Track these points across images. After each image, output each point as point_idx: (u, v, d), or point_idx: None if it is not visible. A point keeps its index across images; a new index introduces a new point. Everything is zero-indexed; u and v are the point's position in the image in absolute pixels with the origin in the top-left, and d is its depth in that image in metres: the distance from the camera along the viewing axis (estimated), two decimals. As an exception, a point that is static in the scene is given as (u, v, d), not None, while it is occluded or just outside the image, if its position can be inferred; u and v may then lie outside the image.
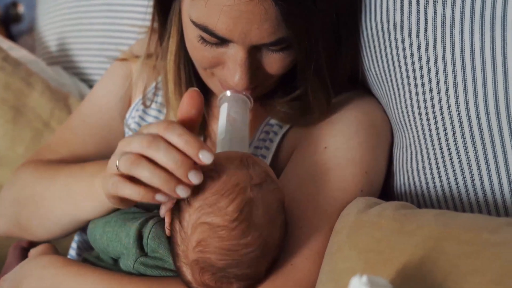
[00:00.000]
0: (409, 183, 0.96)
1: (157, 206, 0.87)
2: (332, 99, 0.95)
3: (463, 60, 0.82)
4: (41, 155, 1.09)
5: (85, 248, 1.09)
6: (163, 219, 0.82)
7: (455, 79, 0.83)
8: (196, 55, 0.93)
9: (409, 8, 0.87)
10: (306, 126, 0.96)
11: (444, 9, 0.82)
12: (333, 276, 0.74)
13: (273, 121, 1.00)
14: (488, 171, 0.84)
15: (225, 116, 0.91)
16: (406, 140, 0.96)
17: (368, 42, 0.96)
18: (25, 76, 1.30)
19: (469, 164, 0.86)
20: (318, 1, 0.83)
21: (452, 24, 0.82)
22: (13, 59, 1.32)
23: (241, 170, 0.77)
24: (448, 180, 0.89)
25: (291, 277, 0.81)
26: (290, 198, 0.87)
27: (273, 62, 0.90)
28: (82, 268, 0.86)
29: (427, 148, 0.91)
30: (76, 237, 1.12)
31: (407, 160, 0.96)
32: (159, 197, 0.73)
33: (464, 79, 0.82)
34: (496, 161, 0.83)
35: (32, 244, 1.02)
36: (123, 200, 0.78)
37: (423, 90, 0.88)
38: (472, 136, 0.84)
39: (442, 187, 0.90)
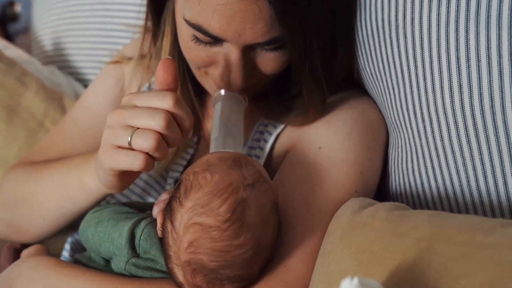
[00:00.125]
0: (404, 183, 0.96)
1: (150, 207, 0.86)
2: (327, 99, 0.94)
3: (458, 60, 0.81)
4: (31, 158, 1.10)
5: (78, 249, 1.09)
6: (156, 220, 0.81)
7: (450, 78, 0.82)
8: (189, 55, 0.92)
9: (404, 6, 0.86)
10: (300, 126, 0.95)
11: (439, 7, 0.81)
12: (325, 278, 0.74)
13: (267, 121, 0.99)
14: (484, 172, 0.83)
15: (219, 115, 0.91)
16: (401, 140, 0.96)
17: (363, 41, 0.95)
18: (20, 75, 1.30)
19: (464, 165, 0.85)
20: (313, 0, 0.83)
21: (447, 23, 0.81)
22: (8, 59, 1.31)
23: (234, 170, 0.77)
24: (443, 180, 0.89)
25: (284, 278, 0.80)
26: (284, 198, 0.86)
27: (268, 62, 0.90)
28: (73, 269, 0.86)
29: (422, 148, 0.91)
30: (69, 238, 1.12)
31: (402, 160, 0.96)
32: None
33: (459, 78, 0.81)
34: (491, 162, 0.82)
35: (25, 246, 1.02)
36: (123, 179, 0.83)
37: (418, 90, 0.88)
38: (467, 136, 0.83)
39: (437, 187, 0.90)
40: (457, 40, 0.80)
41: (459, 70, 0.81)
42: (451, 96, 0.83)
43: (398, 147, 0.97)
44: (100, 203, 1.01)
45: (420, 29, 0.84)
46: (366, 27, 0.94)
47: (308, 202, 0.86)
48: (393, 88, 0.93)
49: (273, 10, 0.81)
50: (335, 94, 0.98)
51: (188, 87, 1.01)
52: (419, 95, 0.88)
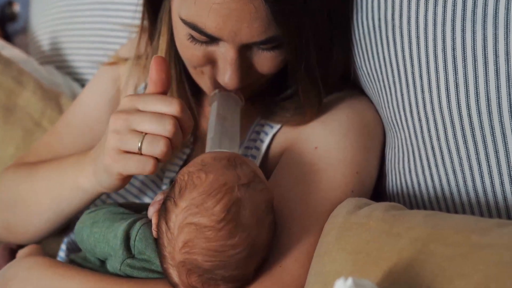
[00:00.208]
0: (401, 183, 0.95)
1: (146, 207, 0.86)
2: (324, 99, 0.94)
3: (454, 59, 0.81)
4: (26, 159, 1.10)
5: (74, 250, 1.08)
6: (151, 221, 0.81)
7: (446, 78, 0.82)
8: (185, 54, 0.92)
9: (401, 6, 0.86)
10: (297, 126, 0.95)
11: (435, 7, 0.81)
12: (321, 278, 0.73)
13: (264, 121, 0.99)
14: (480, 172, 0.83)
15: (215, 115, 0.91)
16: (398, 140, 0.95)
17: (360, 41, 0.95)
18: (17, 75, 1.30)
19: (461, 165, 0.85)
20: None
21: (443, 22, 0.81)
22: (4, 58, 1.31)
23: (229, 170, 0.76)
24: (440, 180, 0.88)
25: (279, 279, 0.80)
26: (280, 198, 0.86)
27: (264, 61, 0.89)
28: (68, 270, 0.85)
29: (418, 148, 0.90)
30: (65, 239, 1.11)
31: (399, 160, 0.95)
32: None
33: (456, 78, 0.81)
34: (488, 162, 0.82)
35: (21, 246, 1.02)
36: (125, 181, 0.84)
37: (415, 89, 0.87)
38: (463, 136, 0.83)
39: (434, 187, 0.89)
40: (453, 39, 0.80)
41: (455, 69, 0.81)
42: (447, 96, 0.83)
43: (394, 147, 0.96)
44: (96, 203, 1.01)
45: (417, 28, 0.84)
46: (362, 26, 0.93)
47: (304, 202, 0.86)
48: (389, 87, 0.92)
49: (269, 9, 0.81)
50: (332, 94, 0.98)
51: (185, 87, 1.01)
52: (415, 94, 0.88)
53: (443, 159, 0.87)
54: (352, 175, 0.90)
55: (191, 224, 0.73)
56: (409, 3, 0.84)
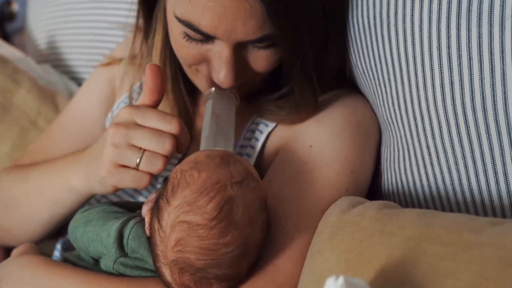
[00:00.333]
0: (396, 182, 0.95)
1: (140, 206, 0.86)
2: (319, 97, 0.94)
3: (449, 57, 0.80)
4: (21, 161, 1.10)
5: (69, 249, 1.08)
6: (145, 220, 0.81)
7: (441, 75, 0.82)
8: (180, 52, 0.91)
9: (396, 3, 0.85)
10: (292, 124, 0.95)
11: (430, 4, 0.81)
12: (314, 277, 0.73)
13: (259, 120, 0.98)
14: (475, 170, 0.83)
15: (210, 113, 0.90)
16: (393, 138, 0.95)
17: (355, 39, 0.95)
18: (12, 73, 1.29)
19: (456, 163, 0.84)
20: None
21: (438, 19, 0.80)
22: (0, 57, 1.30)
23: (222, 168, 0.76)
24: (435, 179, 0.88)
25: (273, 278, 0.79)
26: (274, 197, 0.85)
27: (259, 60, 0.89)
28: (62, 268, 0.85)
29: (414, 147, 0.90)
30: (60, 239, 1.11)
31: (394, 159, 0.95)
32: None
33: (451, 76, 0.81)
34: (483, 160, 0.82)
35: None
36: (118, 189, 0.84)
37: (410, 87, 0.87)
38: (459, 134, 0.83)
39: (429, 186, 0.89)
40: (448, 37, 0.80)
41: (450, 68, 0.80)
42: (443, 94, 0.82)
43: (390, 146, 0.96)
44: (91, 202, 1.00)
45: (412, 26, 0.84)
46: (358, 24, 0.93)
47: (298, 201, 0.86)
48: (384, 85, 0.92)
49: (264, 7, 0.81)
50: (328, 92, 0.97)
51: (180, 85, 1.00)
52: (410, 92, 0.87)
53: (438, 158, 0.86)
54: (346, 174, 0.89)
55: (183, 222, 0.73)
56: (404, 0, 0.84)
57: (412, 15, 0.83)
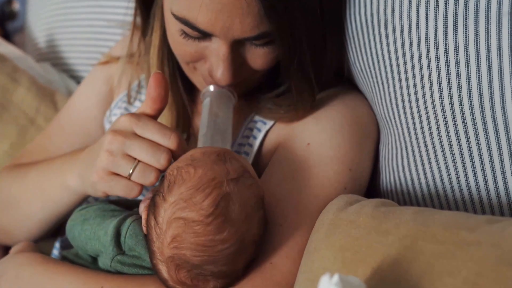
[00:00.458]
0: (395, 180, 0.95)
1: (137, 204, 0.86)
2: (317, 95, 0.93)
3: (446, 54, 0.80)
4: (19, 161, 1.10)
5: (67, 247, 1.08)
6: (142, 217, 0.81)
7: (438, 73, 0.81)
8: (178, 50, 0.91)
9: (393, 0, 0.85)
10: (290, 122, 0.94)
11: (427, 1, 0.80)
12: (310, 275, 0.72)
13: (257, 118, 0.98)
14: (473, 168, 0.82)
15: (208, 111, 0.90)
16: (391, 136, 0.95)
17: (353, 36, 0.95)
18: (11, 71, 1.29)
19: (454, 161, 0.84)
20: None
21: (435, 17, 0.80)
22: (-1, 55, 1.31)
23: (218, 164, 0.76)
24: (433, 177, 0.88)
25: (269, 276, 0.79)
26: (271, 195, 0.85)
27: (257, 57, 0.89)
28: (59, 266, 0.85)
29: (411, 145, 0.90)
30: (59, 237, 1.11)
31: (392, 157, 0.95)
32: None
33: (448, 73, 0.80)
34: (481, 158, 0.81)
35: (15, 243, 1.01)
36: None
37: (407, 85, 0.87)
38: (456, 132, 0.82)
39: (427, 184, 0.89)
40: (445, 34, 0.79)
41: (447, 65, 0.80)
42: (440, 92, 0.82)
43: (388, 144, 0.96)
44: (88, 200, 1.00)
45: (409, 23, 0.83)
46: (355, 22, 0.93)
47: (295, 199, 0.85)
48: (382, 83, 0.92)
49: (261, 4, 0.80)
50: (326, 90, 0.97)
51: (178, 83, 1.00)
52: (408, 90, 0.87)
53: (436, 156, 0.86)
54: (345, 172, 0.89)
55: (179, 218, 0.73)
56: (401, -3, 0.84)
57: (409, 12, 0.83)
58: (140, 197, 1.02)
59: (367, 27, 0.90)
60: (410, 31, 0.83)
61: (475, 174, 0.83)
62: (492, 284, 0.58)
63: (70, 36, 1.45)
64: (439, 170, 0.86)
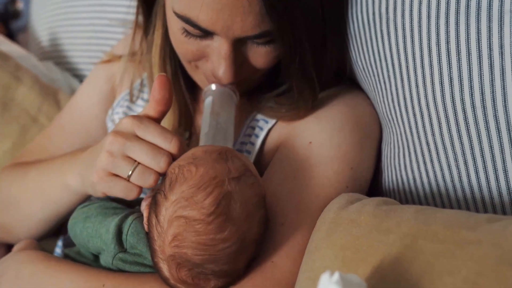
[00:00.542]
0: (397, 179, 0.94)
1: (139, 202, 0.86)
2: (319, 94, 0.93)
3: (448, 53, 0.80)
4: (21, 160, 1.10)
5: (70, 245, 1.08)
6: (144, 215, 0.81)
7: (440, 72, 0.81)
8: (180, 48, 0.91)
9: (395, -2, 0.85)
10: (291, 121, 0.94)
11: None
12: (310, 274, 0.72)
13: (259, 116, 0.98)
14: (475, 167, 0.82)
15: (209, 110, 0.90)
16: (394, 135, 0.94)
17: (355, 35, 0.94)
18: (14, 70, 1.29)
19: (456, 160, 0.84)
20: None
21: (437, 15, 0.80)
22: (1, 53, 1.30)
23: (219, 163, 0.76)
24: (435, 176, 0.87)
25: (270, 275, 0.79)
26: (273, 193, 0.85)
27: (258, 56, 0.89)
28: (61, 264, 0.85)
29: (414, 144, 0.90)
30: (61, 235, 1.11)
31: (394, 156, 0.94)
32: None
33: (450, 72, 0.80)
34: (483, 157, 0.81)
35: (18, 242, 1.02)
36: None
37: (409, 84, 0.86)
38: (458, 131, 0.82)
39: (429, 183, 0.88)
40: (447, 32, 0.79)
41: (449, 64, 0.80)
42: (442, 91, 0.82)
43: (390, 143, 0.96)
44: (90, 197, 1.01)
45: (411, 21, 0.83)
46: (357, 20, 0.93)
47: (296, 198, 0.85)
48: (384, 82, 0.92)
49: (262, 3, 0.80)
50: (328, 89, 0.97)
51: (180, 82, 1.00)
52: (410, 89, 0.87)
53: (438, 155, 0.86)
54: (346, 171, 0.89)
55: (180, 217, 0.73)
56: (403, -4, 0.84)
57: (411, 10, 0.83)
58: (142, 195, 1.03)
59: (369, 26, 0.90)
60: (411, 30, 0.83)
61: (477, 172, 0.82)
62: (492, 283, 0.58)
63: (72, 35, 1.45)
64: (441, 169, 0.86)
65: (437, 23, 0.80)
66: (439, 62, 0.81)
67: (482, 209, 0.83)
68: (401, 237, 0.67)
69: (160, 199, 0.75)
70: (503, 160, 0.80)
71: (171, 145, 0.78)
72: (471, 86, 0.79)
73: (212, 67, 0.89)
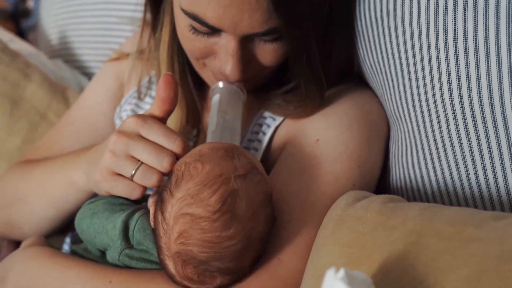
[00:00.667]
0: (404, 177, 0.94)
1: (146, 198, 0.86)
2: (327, 91, 0.93)
3: (456, 50, 0.79)
4: (29, 157, 1.10)
5: (78, 241, 1.09)
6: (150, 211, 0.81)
7: (448, 69, 0.81)
8: (187, 45, 0.92)
9: (403, -4, 0.85)
10: (299, 118, 0.94)
11: (437, -4, 0.80)
12: (316, 272, 0.72)
13: (267, 114, 0.98)
14: (483, 165, 0.82)
15: (217, 108, 0.90)
16: (401, 133, 0.94)
17: (362, 32, 0.94)
18: (23, 67, 1.30)
19: (463, 158, 0.83)
20: None
21: (445, 12, 0.79)
22: (11, 51, 1.31)
23: (226, 160, 0.76)
24: (443, 174, 0.87)
25: (277, 272, 0.79)
26: (280, 191, 0.85)
27: (266, 53, 0.89)
28: (68, 260, 0.86)
29: (421, 141, 0.89)
30: (70, 232, 1.12)
31: (402, 153, 0.94)
32: None
33: (457, 69, 0.80)
34: (490, 155, 0.81)
35: (26, 238, 1.02)
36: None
37: (417, 81, 0.86)
38: (466, 129, 0.82)
39: (437, 181, 0.88)
40: (455, 30, 0.79)
41: (457, 61, 0.80)
42: (449, 88, 0.81)
43: (398, 141, 0.95)
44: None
45: (418, 18, 0.83)
46: (365, 18, 0.92)
47: (303, 195, 0.85)
48: (392, 79, 0.91)
49: (269, 0, 0.80)
50: (336, 86, 0.97)
51: (188, 79, 1.00)
52: (417, 87, 0.86)
53: (446, 153, 0.86)
54: (354, 168, 0.89)
55: (186, 214, 0.73)
56: (411, -7, 0.84)
57: (418, 7, 0.82)
58: (149, 191, 1.03)
59: (377, 23, 0.90)
60: (419, 27, 0.83)
61: (484, 170, 0.82)
62: (495, 280, 0.57)
63: (80, 33, 1.46)
64: (449, 167, 0.86)
65: (445, 20, 0.80)
66: (447, 60, 0.81)
67: (490, 207, 0.83)
68: (406, 234, 0.67)
69: (166, 196, 0.75)
70: (511, 158, 0.79)
71: (174, 145, 0.78)
72: (478, 84, 0.78)
73: (220, 64, 0.89)
